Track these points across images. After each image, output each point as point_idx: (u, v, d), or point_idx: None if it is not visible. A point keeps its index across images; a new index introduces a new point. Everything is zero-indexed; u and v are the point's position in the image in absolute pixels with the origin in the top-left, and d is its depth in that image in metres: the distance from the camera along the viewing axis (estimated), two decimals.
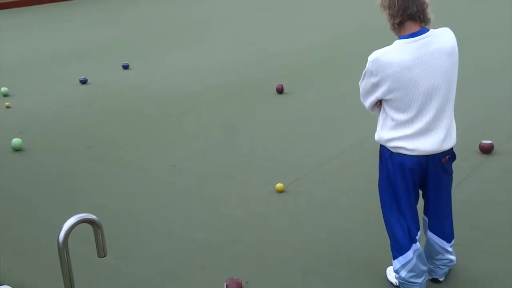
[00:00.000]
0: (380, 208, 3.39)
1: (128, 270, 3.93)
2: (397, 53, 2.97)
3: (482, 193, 4.66)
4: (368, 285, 3.57)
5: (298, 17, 14.67)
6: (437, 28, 3.09)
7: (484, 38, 10.57)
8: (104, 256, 2.79)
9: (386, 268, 3.65)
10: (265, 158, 5.68)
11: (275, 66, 9.56)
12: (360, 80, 3.20)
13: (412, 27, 3.00)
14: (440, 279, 3.52)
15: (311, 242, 4.10)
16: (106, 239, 3.33)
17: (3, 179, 5.63)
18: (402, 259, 3.29)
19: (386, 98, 3.08)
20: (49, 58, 11.48)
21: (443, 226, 3.40)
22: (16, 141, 6.37)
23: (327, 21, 13.72)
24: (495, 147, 5.47)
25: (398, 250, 3.29)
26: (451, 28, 3.19)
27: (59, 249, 2.64)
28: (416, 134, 3.07)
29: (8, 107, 8.08)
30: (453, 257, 3.49)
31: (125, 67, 10.11)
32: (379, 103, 3.20)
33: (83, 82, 9.16)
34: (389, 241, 3.39)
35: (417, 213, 3.29)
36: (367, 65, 3.08)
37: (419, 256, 3.29)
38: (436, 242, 3.41)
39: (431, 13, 3.03)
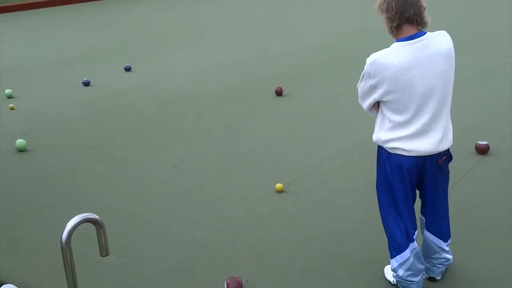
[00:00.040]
0: (378, 208, 3.39)
1: (130, 269, 3.93)
2: (394, 55, 2.97)
3: (478, 193, 4.66)
4: (366, 283, 3.57)
5: (298, 18, 14.66)
6: (434, 31, 3.10)
7: (481, 41, 10.57)
8: (107, 255, 2.78)
9: (384, 267, 3.65)
10: (265, 158, 5.68)
11: (274, 67, 9.55)
12: (358, 82, 3.20)
13: (409, 30, 3.01)
14: (437, 278, 3.52)
15: (310, 241, 4.09)
16: (109, 239, 3.33)
17: (7, 179, 5.63)
18: (399, 258, 3.29)
19: (384, 99, 3.08)
20: (52, 61, 11.47)
21: (440, 226, 3.40)
22: (20, 142, 6.37)
23: (326, 23, 13.72)
24: (491, 148, 5.47)
25: (395, 249, 3.30)
26: (448, 30, 3.19)
27: (62, 248, 2.63)
28: (413, 135, 3.07)
29: (12, 108, 8.08)
30: (449, 256, 3.49)
31: (127, 69, 10.10)
32: (377, 104, 3.20)
33: (86, 84, 9.16)
34: (387, 241, 3.39)
35: (414, 213, 3.30)
36: (365, 67, 3.08)
37: (416, 255, 3.29)
38: (433, 241, 3.41)
39: (428, 16, 3.04)
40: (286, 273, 3.73)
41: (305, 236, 4.17)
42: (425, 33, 3.03)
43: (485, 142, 5.44)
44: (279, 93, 7.76)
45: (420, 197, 3.39)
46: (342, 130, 6.36)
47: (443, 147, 3.14)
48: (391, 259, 3.34)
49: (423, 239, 3.47)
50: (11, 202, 5.12)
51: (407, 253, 3.26)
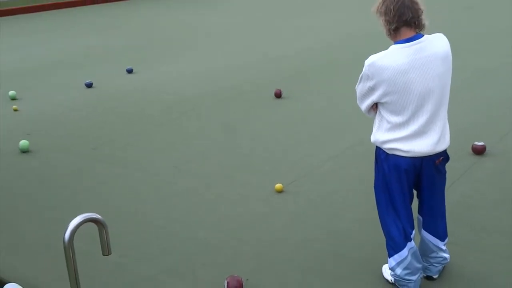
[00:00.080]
0: (376, 208, 3.39)
1: (132, 267, 3.92)
2: (392, 57, 2.97)
3: (474, 193, 4.66)
4: (364, 282, 3.57)
5: (297, 21, 14.66)
6: (432, 33, 3.10)
7: (478, 42, 10.58)
8: (109, 254, 2.78)
9: (382, 266, 3.65)
10: (265, 159, 5.67)
11: (274, 69, 9.55)
12: (357, 83, 3.20)
13: (407, 32, 3.01)
14: (434, 277, 3.52)
15: (310, 241, 4.09)
16: (111, 238, 3.32)
17: (11, 180, 5.62)
18: (397, 257, 3.29)
19: (382, 101, 3.08)
20: (54, 63, 11.47)
21: (437, 225, 3.40)
22: (23, 142, 6.36)
23: (325, 26, 13.71)
24: (487, 149, 5.47)
25: (393, 248, 3.29)
26: (445, 32, 3.19)
27: (65, 247, 2.63)
28: (411, 136, 3.07)
29: (15, 110, 8.07)
30: (446, 255, 3.49)
31: (129, 71, 10.09)
32: (375, 106, 3.20)
33: (88, 86, 9.15)
34: (385, 240, 3.38)
35: (411, 213, 3.30)
36: (363, 69, 3.08)
37: (413, 254, 3.28)
38: (430, 241, 3.41)
39: (425, 19, 3.04)
40: (286, 272, 3.73)
41: (305, 235, 4.17)
42: (423, 35, 3.03)
43: (481, 143, 5.44)
44: (278, 95, 7.75)
45: (418, 197, 3.39)
46: (341, 131, 6.36)
47: (440, 148, 3.14)
48: (389, 258, 3.34)
49: (420, 238, 3.47)
50: (14, 202, 5.12)
51: (404, 252, 3.26)
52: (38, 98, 8.68)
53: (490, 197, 4.58)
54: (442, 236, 3.43)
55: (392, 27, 3.02)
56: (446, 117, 3.16)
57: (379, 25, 3.11)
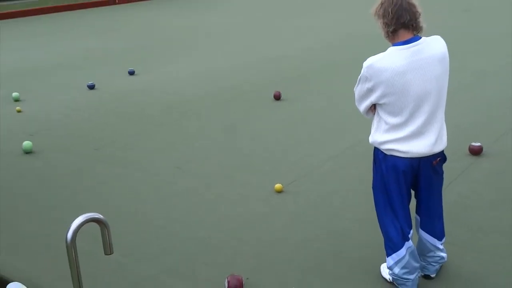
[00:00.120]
0: (374, 208, 3.39)
1: (133, 267, 3.92)
2: (391, 59, 2.97)
3: (471, 193, 4.66)
4: (363, 281, 3.57)
5: (297, 23, 14.66)
6: (430, 35, 3.10)
7: (475, 45, 10.58)
8: (111, 254, 2.78)
9: (380, 265, 3.64)
10: (264, 159, 5.67)
11: (274, 70, 9.55)
12: (355, 85, 3.20)
13: (405, 35, 3.01)
14: (432, 275, 3.52)
15: (309, 240, 4.09)
16: (113, 237, 3.31)
17: (14, 180, 5.62)
18: (395, 256, 3.28)
19: (380, 102, 3.08)
20: (57, 65, 11.47)
21: (434, 225, 3.40)
22: (26, 143, 6.36)
23: (324, 27, 13.71)
24: (484, 149, 5.47)
25: (391, 248, 3.29)
26: (442, 35, 3.19)
27: (67, 247, 2.63)
28: (409, 137, 3.07)
29: (19, 111, 8.07)
30: (444, 255, 3.48)
31: (131, 73, 10.10)
32: (373, 107, 3.20)
33: (91, 87, 9.15)
34: (383, 239, 3.38)
35: (409, 213, 3.29)
36: (362, 70, 3.08)
37: (411, 254, 3.28)
38: (427, 240, 3.41)
39: (423, 21, 3.04)
40: (286, 272, 3.72)
41: (305, 235, 4.16)
42: (420, 38, 3.03)
43: (478, 144, 5.43)
44: (277, 97, 7.74)
45: (415, 197, 3.39)
46: (340, 131, 6.36)
47: (437, 149, 3.14)
48: (387, 257, 3.34)
49: (418, 238, 3.47)
50: (17, 202, 5.11)
51: (402, 251, 3.26)
52: (40, 100, 8.68)
53: (487, 197, 4.57)
54: (439, 235, 3.43)
55: (390, 30, 3.02)
56: (443, 118, 3.16)
57: (378, 27, 3.11)
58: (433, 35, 3.12)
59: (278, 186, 4.90)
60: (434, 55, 3.01)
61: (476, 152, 5.40)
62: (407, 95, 2.98)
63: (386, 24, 3.02)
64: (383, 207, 3.28)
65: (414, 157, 3.10)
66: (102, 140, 6.61)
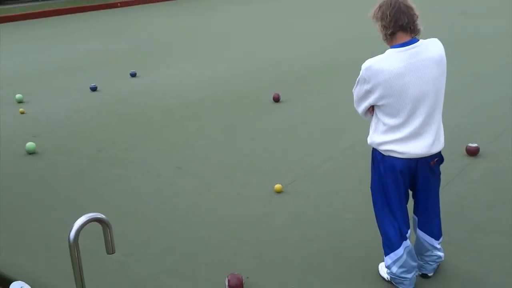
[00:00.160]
0: (373, 208, 3.39)
1: (135, 266, 3.92)
2: (389, 61, 2.97)
3: (468, 193, 4.66)
4: (361, 280, 3.57)
5: (297, 27, 14.67)
6: (427, 38, 3.10)
7: (472, 47, 10.58)
8: (113, 253, 2.78)
9: (379, 264, 3.64)
10: (264, 160, 5.67)
11: (274, 73, 9.55)
12: (354, 87, 3.20)
13: (403, 37, 3.01)
14: (429, 274, 3.52)
15: (309, 240, 4.09)
16: (115, 237, 3.32)
17: (18, 181, 5.62)
18: (393, 256, 3.29)
19: (378, 104, 3.08)
20: (59, 68, 11.47)
21: (431, 225, 3.40)
22: (30, 144, 6.36)
23: (323, 31, 13.72)
24: (480, 150, 5.47)
25: (389, 247, 3.29)
26: (440, 38, 3.20)
27: (70, 246, 2.63)
28: (406, 138, 3.07)
29: (22, 113, 8.07)
30: (441, 254, 3.49)
31: (133, 75, 10.10)
32: (371, 108, 3.20)
33: (93, 89, 9.15)
34: (381, 239, 3.38)
35: (407, 213, 3.30)
36: (360, 72, 3.08)
37: (409, 253, 3.28)
38: (425, 240, 3.41)
39: (420, 24, 3.05)
40: (285, 272, 3.72)
41: (305, 235, 4.16)
42: (418, 40, 3.04)
43: (475, 144, 5.44)
44: (276, 99, 7.74)
45: (413, 197, 3.39)
46: (340, 132, 6.37)
47: (435, 150, 3.14)
48: (385, 256, 3.34)
49: (415, 237, 3.47)
50: (20, 202, 5.12)
51: (400, 251, 3.26)
52: (42, 102, 8.68)
53: (484, 197, 4.58)
54: (436, 235, 3.43)
55: (388, 32, 3.02)
56: (441, 119, 3.16)
57: (376, 30, 3.12)
58: (431, 37, 3.13)
59: (277, 186, 4.90)
60: (432, 57, 3.01)
61: (473, 153, 5.40)
62: (405, 97, 2.99)
63: (384, 27, 3.03)
64: (381, 207, 3.28)
65: (411, 158, 3.11)
66: (104, 141, 6.61)
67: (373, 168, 3.31)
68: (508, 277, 3.49)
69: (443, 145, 3.20)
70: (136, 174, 5.56)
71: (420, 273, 3.51)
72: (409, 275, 3.31)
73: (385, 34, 3.05)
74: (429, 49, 3.02)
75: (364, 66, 3.05)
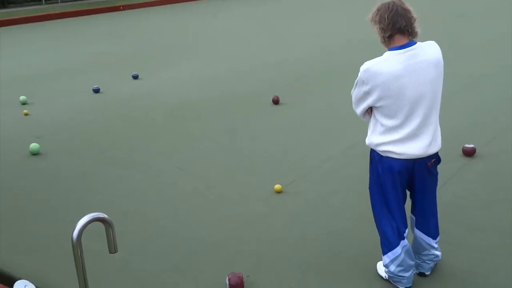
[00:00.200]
0: (371, 208, 3.39)
1: (137, 265, 3.92)
2: (387, 63, 2.98)
3: (465, 193, 4.66)
4: (360, 278, 3.57)
5: (297, 30, 14.67)
6: (424, 41, 3.11)
7: (469, 49, 10.58)
8: (115, 252, 2.78)
9: (377, 263, 3.64)
10: (265, 160, 5.67)
11: (274, 75, 9.55)
12: (353, 88, 3.20)
13: (401, 39, 3.02)
14: (427, 273, 3.52)
15: (309, 240, 4.09)
16: (117, 237, 3.32)
17: (22, 181, 5.62)
18: (391, 255, 3.29)
19: (376, 105, 3.08)
20: (63, 70, 11.48)
21: (429, 224, 3.40)
22: (34, 145, 6.36)
23: (323, 33, 13.72)
24: (477, 151, 5.47)
25: (387, 246, 3.30)
26: (438, 41, 3.20)
27: (73, 245, 2.63)
28: (404, 139, 3.07)
29: (26, 114, 8.08)
30: (438, 253, 3.49)
31: (135, 77, 10.10)
32: (370, 110, 3.21)
33: (96, 91, 9.16)
34: (379, 238, 3.38)
35: (405, 212, 3.30)
36: (359, 74, 3.09)
37: (407, 252, 3.29)
38: (422, 239, 3.41)
39: (418, 27, 3.05)
40: (285, 271, 3.72)
41: (304, 235, 4.16)
42: (416, 43, 3.04)
43: (471, 145, 5.44)
44: (276, 101, 7.74)
45: (411, 197, 3.39)
46: (339, 133, 6.37)
47: (432, 151, 3.14)
48: (383, 255, 3.34)
49: (413, 236, 3.47)
50: (24, 202, 5.12)
51: (398, 250, 3.26)
52: (46, 104, 8.68)
53: (481, 197, 4.58)
54: (434, 234, 3.43)
55: (387, 35, 3.03)
56: (438, 121, 3.16)
57: (374, 33, 3.12)
58: (428, 40, 3.13)
59: (277, 187, 4.89)
60: (429, 60, 3.01)
61: (469, 153, 5.40)
62: (403, 98, 2.99)
63: (383, 30, 3.03)
64: (380, 207, 3.29)
65: (409, 158, 3.11)
66: (107, 142, 6.61)
67: (371, 169, 3.31)
68: (503, 275, 3.49)
69: (440, 146, 3.20)
70: (138, 174, 5.56)
71: (417, 272, 3.51)
72: (407, 274, 3.31)
73: (383, 37, 3.05)
74: (427, 51, 3.03)
75: (362, 68, 3.05)
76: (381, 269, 3.56)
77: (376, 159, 3.21)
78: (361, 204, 4.51)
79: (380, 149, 3.15)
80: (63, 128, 7.30)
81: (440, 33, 12.22)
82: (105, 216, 2.70)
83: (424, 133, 3.08)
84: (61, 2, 29.62)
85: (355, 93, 3.18)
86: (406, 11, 3.02)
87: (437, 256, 3.48)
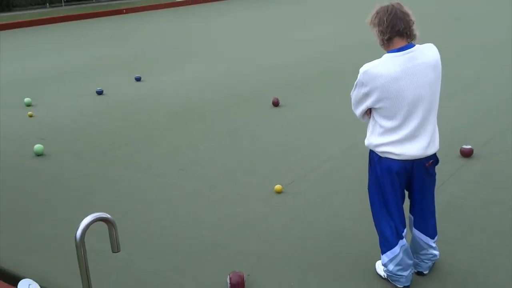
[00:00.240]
0: (370, 207, 3.39)
1: (139, 264, 3.92)
2: (386, 65, 2.98)
3: (463, 193, 4.66)
4: (358, 277, 3.56)
5: (296, 34, 14.69)
6: (423, 43, 3.11)
7: (467, 51, 10.58)
8: (118, 252, 2.78)
9: (376, 262, 3.64)
10: (265, 161, 5.67)
11: (275, 78, 9.56)
12: (352, 90, 3.20)
13: (399, 42, 3.02)
14: (425, 272, 3.52)
15: (308, 239, 4.08)
16: (120, 236, 3.31)
17: (26, 182, 5.63)
18: (390, 254, 3.29)
19: (375, 107, 3.08)
20: (67, 72, 11.49)
21: (427, 224, 3.40)
22: (38, 146, 6.37)
23: (322, 37, 13.73)
24: (474, 152, 5.47)
25: (386, 246, 3.29)
26: (435, 43, 3.20)
27: (76, 245, 2.63)
28: (403, 140, 3.07)
29: (31, 116, 8.08)
30: (436, 252, 3.48)
31: (138, 79, 10.11)
32: (369, 111, 3.21)
33: (99, 93, 9.16)
34: (378, 238, 3.38)
35: (403, 212, 3.29)
36: (358, 76, 3.09)
37: (405, 251, 3.28)
38: (421, 239, 3.41)
39: (416, 29, 3.05)
40: (285, 270, 3.72)
41: (304, 234, 4.16)
42: (414, 45, 3.04)
43: (469, 146, 5.44)
44: (275, 104, 7.74)
45: (409, 197, 3.39)
46: (338, 134, 6.36)
47: (430, 151, 3.14)
48: (382, 255, 3.34)
49: (411, 236, 3.47)
50: (28, 202, 5.12)
51: (396, 249, 3.26)
52: (50, 105, 8.69)
53: (478, 197, 4.57)
54: (432, 234, 3.43)
55: (385, 37, 3.03)
56: (436, 122, 3.16)
57: (373, 36, 3.12)
58: (428, 41, 3.13)
59: (277, 187, 4.89)
60: (427, 62, 3.01)
61: (467, 154, 5.40)
62: (401, 100, 2.99)
63: (382, 32, 3.03)
64: (378, 207, 3.29)
65: (407, 159, 3.11)
66: (110, 144, 6.61)
67: (370, 170, 3.31)
68: (503, 275, 3.48)
69: (438, 147, 3.20)
70: (141, 175, 5.56)
71: (415, 271, 3.51)
72: (405, 273, 3.31)
73: (382, 40, 3.05)
74: (425, 53, 3.03)
75: (361, 70, 3.05)
76: (380, 268, 3.55)
77: (375, 159, 3.21)
78: (361, 204, 4.51)
79: (379, 150, 3.15)
80: (66, 130, 7.30)
81: (437, 35, 12.22)
82: (108, 216, 2.70)
83: (422, 134, 3.08)
84: (64, 5, 29.65)
85: (355, 94, 3.18)
86: (405, 14, 3.02)
87: (435, 255, 3.48)
